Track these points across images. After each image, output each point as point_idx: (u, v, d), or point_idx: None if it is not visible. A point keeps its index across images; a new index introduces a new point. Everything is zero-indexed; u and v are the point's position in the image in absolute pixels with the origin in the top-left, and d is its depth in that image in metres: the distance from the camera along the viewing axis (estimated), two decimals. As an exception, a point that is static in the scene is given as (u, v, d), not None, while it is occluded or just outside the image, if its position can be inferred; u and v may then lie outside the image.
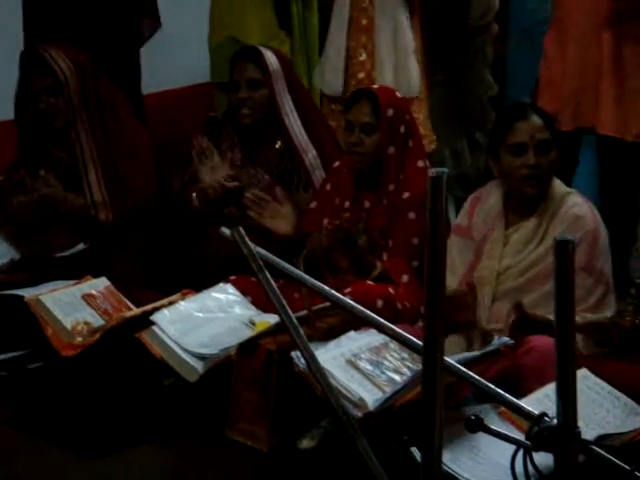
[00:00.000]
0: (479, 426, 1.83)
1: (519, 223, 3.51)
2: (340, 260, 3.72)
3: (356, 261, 3.72)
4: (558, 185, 3.52)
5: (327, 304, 3.23)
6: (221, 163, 4.11)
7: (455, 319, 3.31)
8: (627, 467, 1.82)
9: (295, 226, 3.96)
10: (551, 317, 3.30)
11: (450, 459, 2.99)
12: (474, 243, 3.57)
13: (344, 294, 3.28)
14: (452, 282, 3.57)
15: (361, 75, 4.64)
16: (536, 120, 3.46)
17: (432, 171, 1.66)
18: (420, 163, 3.87)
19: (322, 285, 2.25)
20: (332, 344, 3.23)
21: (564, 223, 3.42)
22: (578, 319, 3.14)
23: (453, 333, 3.43)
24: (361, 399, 3.00)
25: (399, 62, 4.59)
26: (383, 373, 3.15)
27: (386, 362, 3.20)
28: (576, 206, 3.46)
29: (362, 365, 3.15)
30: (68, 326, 3.51)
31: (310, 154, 4.13)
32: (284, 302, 1.96)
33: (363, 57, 4.64)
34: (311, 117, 4.22)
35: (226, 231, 2.02)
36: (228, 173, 4.10)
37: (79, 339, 3.46)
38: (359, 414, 2.96)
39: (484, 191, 3.65)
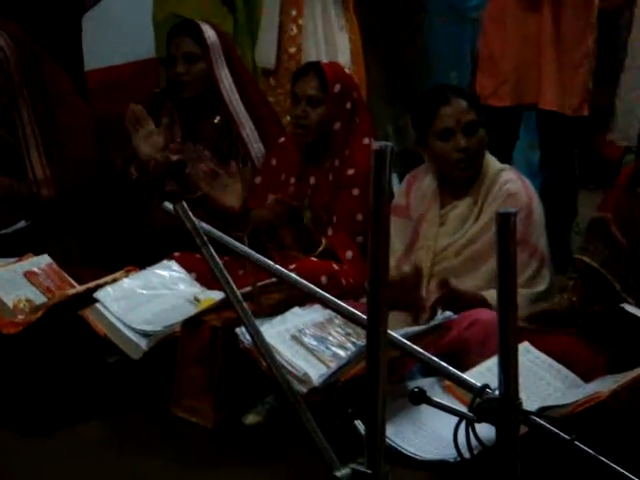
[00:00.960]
0: (422, 398, 1.85)
1: (454, 202, 3.55)
2: (285, 236, 3.72)
3: (301, 237, 3.72)
4: (491, 162, 3.55)
5: (272, 280, 3.23)
6: (156, 130, 4.06)
7: (401, 301, 3.34)
8: (566, 437, 1.84)
9: (242, 202, 3.95)
10: (482, 293, 3.34)
11: (394, 433, 3.02)
12: (412, 223, 3.61)
13: (289, 270, 3.29)
14: (391, 262, 3.58)
15: (292, 49, 4.64)
16: (460, 102, 3.48)
17: (376, 145, 1.66)
18: (366, 140, 3.88)
19: (267, 261, 2.26)
20: (277, 320, 3.24)
21: (498, 200, 3.46)
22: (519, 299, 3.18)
23: (398, 310, 3.46)
24: (306, 374, 3.01)
25: (327, 37, 4.59)
26: (328, 348, 3.17)
27: (331, 337, 3.21)
28: (509, 182, 3.50)
29: (307, 341, 3.16)
30: (10, 304, 3.48)
31: (248, 127, 4.12)
32: (228, 277, 1.96)
33: (294, 31, 4.64)
34: (249, 91, 4.21)
35: (169, 206, 2.01)
36: (171, 147, 4.07)
37: (21, 317, 3.43)
38: (304, 389, 2.98)
39: (420, 171, 3.68)
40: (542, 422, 1.84)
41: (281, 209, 3.72)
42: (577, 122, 4.43)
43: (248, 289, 3.25)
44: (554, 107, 4.35)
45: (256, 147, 4.13)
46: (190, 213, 1.93)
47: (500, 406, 1.78)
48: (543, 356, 3.06)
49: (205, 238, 1.91)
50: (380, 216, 1.69)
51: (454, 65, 4.96)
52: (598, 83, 4.41)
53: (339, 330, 3.24)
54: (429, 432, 3.02)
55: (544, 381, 3.00)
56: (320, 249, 3.70)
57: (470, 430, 1.82)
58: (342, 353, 3.13)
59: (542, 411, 2.72)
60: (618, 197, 3.28)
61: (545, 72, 4.35)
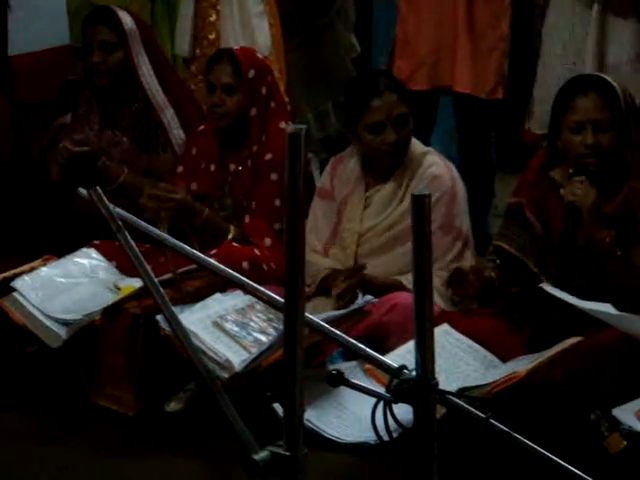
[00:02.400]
0: (340, 380, 1.86)
1: (379, 185, 3.57)
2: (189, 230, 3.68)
3: (207, 228, 3.69)
4: (416, 145, 3.58)
5: (192, 266, 3.21)
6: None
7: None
8: (482, 415, 1.86)
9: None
10: (399, 278, 3.38)
11: (316, 417, 3.03)
12: (336, 205, 3.62)
13: (209, 256, 3.27)
14: (318, 245, 3.61)
15: (212, 36, 4.62)
16: (391, 96, 3.49)
17: (290, 128, 1.66)
18: (283, 124, 3.87)
19: (186, 247, 2.25)
20: (198, 306, 3.23)
21: (422, 183, 3.49)
22: (434, 279, 3.22)
23: (321, 296, 3.48)
24: (227, 360, 3.01)
25: (245, 23, 4.57)
26: (249, 334, 3.17)
27: (252, 323, 3.21)
28: (433, 165, 3.53)
29: (228, 326, 3.16)
30: None
31: (168, 113, 4.09)
32: (145, 263, 1.95)
33: (213, 17, 4.62)
34: (168, 78, 4.17)
35: (83, 192, 1.99)
36: (74, 137, 4.02)
37: None
38: (226, 375, 2.98)
39: (345, 154, 3.69)
40: (458, 401, 1.86)
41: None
42: (493, 105, 4.48)
43: (168, 276, 3.23)
44: (469, 90, 4.39)
45: (176, 134, 4.10)
46: (105, 199, 1.91)
47: (417, 386, 1.79)
48: (462, 337, 3.09)
49: (120, 224, 1.90)
50: (295, 199, 1.69)
51: (382, 50, 4.98)
52: (514, 69, 4.45)
53: (260, 315, 3.24)
54: (351, 415, 3.04)
55: (463, 362, 3.04)
56: (230, 237, 3.68)
57: (388, 411, 1.84)
58: (264, 338, 3.13)
59: (461, 392, 2.75)
60: (531, 181, 3.32)
61: (460, 56, 4.39)
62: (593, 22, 4.07)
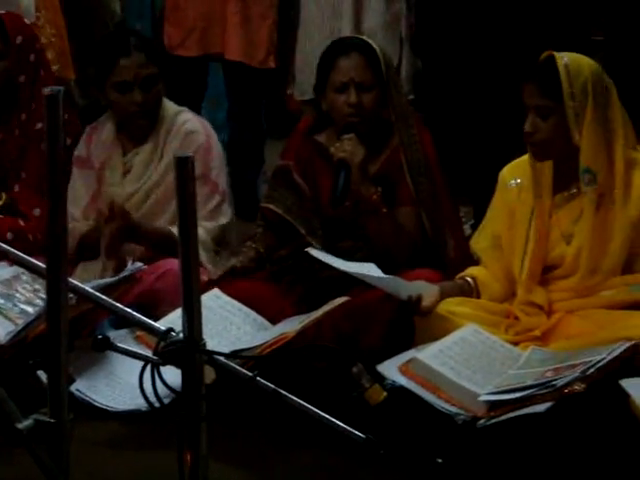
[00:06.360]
0: (106, 345, 1.84)
1: (136, 148, 3.56)
2: None
3: None
4: (168, 106, 3.59)
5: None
6: None
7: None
8: (249, 373, 1.89)
9: None
10: (165, 227, 3.38)
11: (86, 386, 3.00)
12: (95, 172, 3.58)
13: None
14: (76, 213, 3.55)
15: None
16: (139, 56, 3.48)
17: (46, 90, 1.63)
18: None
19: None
20: (-40, 279, 3.14)
21: (178, 139, 3.51)
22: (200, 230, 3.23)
23: (86, 261, 3.43)
24: (-7, 333, 2.94)
25: None
26: (15, 305, 3.10)
27: (18, 294, 3.15)
28: (188, 122, 3.55)
29: (-7, 299, 3.08)
30: None
31: None
32: None
33: None
34: None
35: None
36: None
37: None
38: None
39: (100, 121, 3.65)
40: (225, 361, 1.87)
41: None
42: (264, 74, 4.51)
43: None
44: (240, 58, 4.41)
45: None
46: None
47: (184, 347, 1.80)
48: (233, 301, 3.12)
49: None
50: (55, 162, 1.67)
51: (137, 17, 4.91)
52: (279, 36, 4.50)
53: (27, 286, 3.17)
54: (122, 383, 3.02)
55: (234, 325, 3.06)
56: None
57: (156, 374, 1.84)
58: (30, 309, 3.07)
59: (234, 354, 2.77)
60: (298, 145, 3.37)
61: (230, 23, 4.40)
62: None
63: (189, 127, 3.53)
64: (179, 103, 3.65)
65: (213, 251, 3.42)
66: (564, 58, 2.92)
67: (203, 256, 3.33)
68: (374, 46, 3.26)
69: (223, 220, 3.50)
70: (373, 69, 3.22)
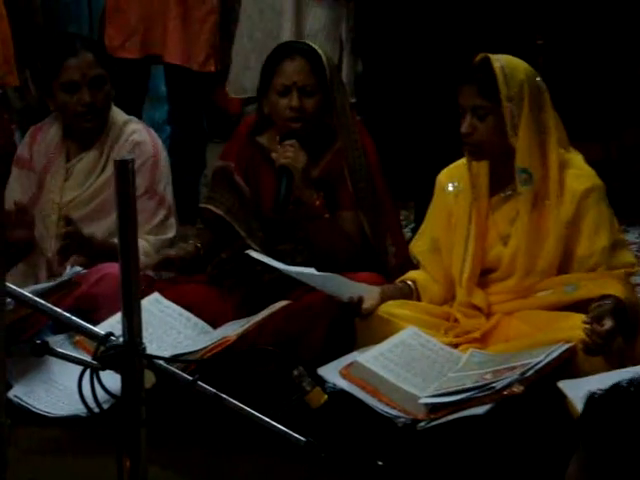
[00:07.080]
0: (44, 350, 1.83)
1: (80, 154, 3.52)
2: None
3: None
4: (117, 114, 3.55)
5: None
6: None
7: (14, 237, 3.30)
8: (189, 377, 1.88)
9: None
10: (113, 241, 3.35)
11: (25, 392, 2.97)
12: (36, 175, 3.54)
13: None
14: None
15: None
16: (87, 56, 3.45)
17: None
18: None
19: None
20: None
21: (125, 150, 3.47)
22: (142, 243, 3.21)
23: (17, 263, 3.39)
24: None
25: None
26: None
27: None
28: (135, 133, 3.52)
29: None
30: None
31: None
32: None
33: None
34: None
35: None
36: None
37: None
38: None
39: (45, 122, 3.61)
40: (165, 365, 1.87)
41: None
42: (204, 77, 4.50)
43: None
44: (180, 61, 4.40)
45: None
46: None
47: (124, 352, 1.79)
48: (173, 305, 3.10)
49: None
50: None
51: (72, 19, 4.86)
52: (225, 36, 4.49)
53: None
54: (62, 388, 3.00)
55: (175, 330, 3.05)
56: None
57: (95, 379, 1.82)
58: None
59: (175, 358, 2.76)
60: (239, 146, 3.36)
61: (170, 26, 4.38)
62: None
63: (137, 138, 3.49)
64: (120, 105, 3.62)
65: (153, 268, 3.37)
66: (499, 60, 2.95)
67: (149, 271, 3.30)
68: (319, 51, 3.26)
69: (169, 234, 3.47)
70: (317, 74, 3.21)
